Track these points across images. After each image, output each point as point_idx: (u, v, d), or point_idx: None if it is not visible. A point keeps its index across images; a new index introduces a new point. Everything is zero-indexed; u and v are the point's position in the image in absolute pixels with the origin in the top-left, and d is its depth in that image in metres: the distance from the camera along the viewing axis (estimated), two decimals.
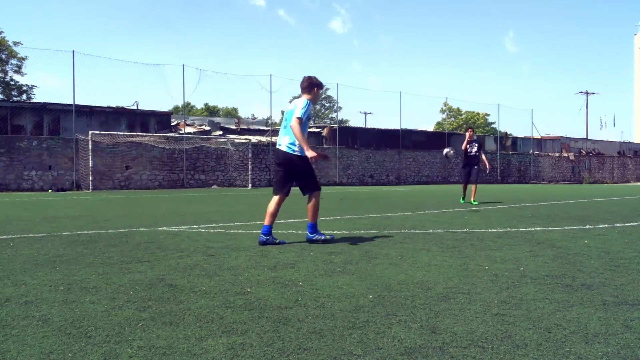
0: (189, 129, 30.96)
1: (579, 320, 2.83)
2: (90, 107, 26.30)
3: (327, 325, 2.75)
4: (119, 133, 25.10)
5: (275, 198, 5.72)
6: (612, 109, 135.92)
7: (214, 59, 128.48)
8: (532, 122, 45.70)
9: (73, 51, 23.49)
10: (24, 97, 39.64)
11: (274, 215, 5.70)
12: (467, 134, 12.75)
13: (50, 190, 22.52)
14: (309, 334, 2.60)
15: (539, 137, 47.72)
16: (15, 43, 37.15)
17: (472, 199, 12.46)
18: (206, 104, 72.41)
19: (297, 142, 5.56)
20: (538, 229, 7.12)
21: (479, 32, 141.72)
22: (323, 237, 5.74)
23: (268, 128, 34.21)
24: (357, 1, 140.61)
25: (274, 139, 30.97)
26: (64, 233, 6.70)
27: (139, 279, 3.88)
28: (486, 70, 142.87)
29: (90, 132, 23.41)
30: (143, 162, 25.74)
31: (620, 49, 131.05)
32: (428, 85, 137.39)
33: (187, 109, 44.93)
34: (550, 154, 47.02)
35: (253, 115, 66.44)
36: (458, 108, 68.08)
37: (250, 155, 28.50)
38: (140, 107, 30.16)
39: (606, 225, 7.50)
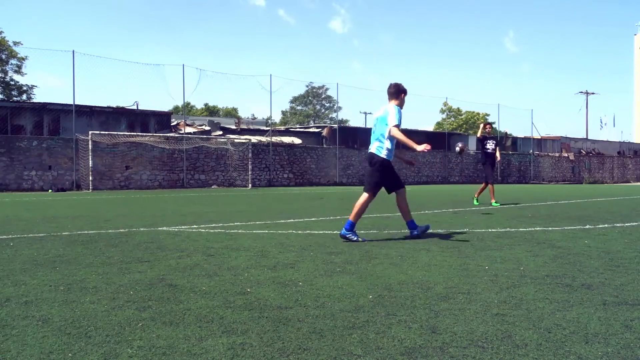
0: (189, 129, 30.93)
1: (579, 320, 2.83)
2: (90, 107, 26.28)
3: (327, 325, 2.75)
4: (119, 133, 25.08)
5: (365, 195, 6.04)
6: (612, 109, 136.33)
7: (214, 59, 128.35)
8: (532, 122, 45.70)
9: (73, 51, 23.50)
10: (24, 97, 39.72)
11: (361, 212, 5.97)
12: (486, 128, 12.49)
13: (50, 190, 22.51)
14: (309, 334, 2.60)
15: (539, 137, 47.72)
16: (15, 43, 37.30)
17: (492, 201, 11.91)
18: (206, 104, 72.40)
19: (384, 147, 6.14)
20: (538, 229, 7.12)
21: (479, 32, 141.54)
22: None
23: (268, 128, 34.18)
24: (357, 1, 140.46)
25: (274, 139, 30.99)
26: (64, 233, 6.70)
27: (139, 279, 3.88)
28: (486, 70, 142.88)
29: (90, 132, 23.40)
30: (143, 162, 25.73)
31: (620, 49, 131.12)
32: (428, 85, 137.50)
33: (187, 109, 44.92)
34: (550, 154, 47.02)
35: (253, 115, 66.51)
36: (458, 108, 68.12)
37: (250, 155, 28.47)
38: (140, 107, 30.14)
39: (606, 225, 7.50)
